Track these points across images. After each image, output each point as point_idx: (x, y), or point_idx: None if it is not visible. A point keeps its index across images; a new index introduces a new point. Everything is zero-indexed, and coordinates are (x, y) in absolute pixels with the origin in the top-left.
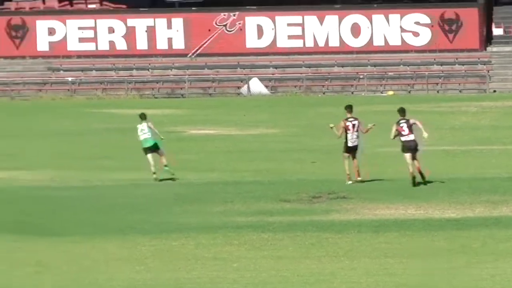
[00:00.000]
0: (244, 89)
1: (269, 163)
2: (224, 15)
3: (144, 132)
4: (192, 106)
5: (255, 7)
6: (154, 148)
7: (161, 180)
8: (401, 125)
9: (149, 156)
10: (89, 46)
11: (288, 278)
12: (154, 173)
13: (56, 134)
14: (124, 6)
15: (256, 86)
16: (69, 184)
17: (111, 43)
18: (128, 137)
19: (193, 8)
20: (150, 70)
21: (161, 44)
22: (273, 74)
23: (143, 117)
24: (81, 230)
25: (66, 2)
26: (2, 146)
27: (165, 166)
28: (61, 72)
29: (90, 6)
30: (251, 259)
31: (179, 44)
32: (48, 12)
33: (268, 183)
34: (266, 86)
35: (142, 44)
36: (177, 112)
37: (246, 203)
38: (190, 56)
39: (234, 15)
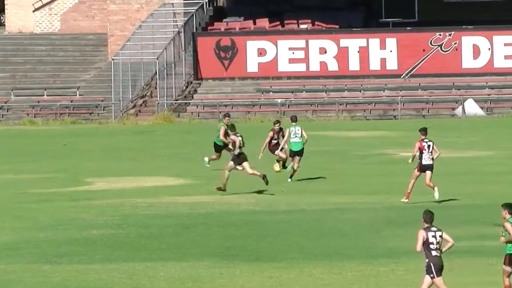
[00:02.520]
0: (458, 111)
1: (482, 186)
2: (440, 35)
3: None
4: (404, 128)
5: (471, 26)
6: None
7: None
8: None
9: None
10: (300, 67)
11: None
12: None
13: (264, 157)
14: (336, 26)
15: (472, 107)
16: (275, 208)
17: (322, 64)
18: (339, 160)
19: (407, 28)
20: (362, 91)
21: (374, 65)
22: (489, 95)
23: None
24: (288, 255)
25: (277, 23)
26: (209, 169)
27: None
28: (271, 93)
29: (302, 26)
30: (461, 286)
31: (392, 64)
32: (259, 33)
33: (478, 207)
34: (482, 107)
35: (354, 64)
36: (389, 134)
37: (455, 227)
38: (403, 77)
39: (449, 35)
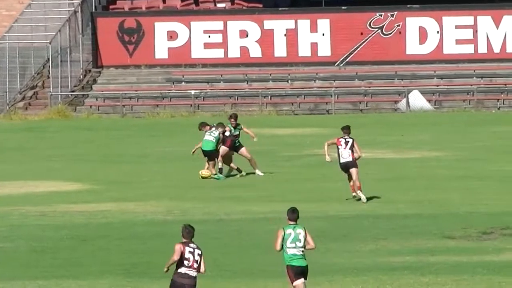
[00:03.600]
0: (402, 104)
1: (431, 192)
2: (380, 15)
3: None
4: (339, 124)
5: (417, 5)
6: None
7: None
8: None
9: None
10: (217, 53)
11: None
12: None
13: (175, 159)
14: (259, 5)
15: (417, 100)
16: (190, 218)
17: (243, 49)
18: (263, 162)
19: (342, 8)
20: (289, 81)
21: (303, 51)
22: (437, 85)
23: None
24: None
25: (190, 1)
26: (110, 172)
27: None
28: (183, 84)
29: (219, 5)
30: None
31: (324, 50)
32: (169, 13)
33: (429, 217)
34: (429, 101)
35: (280, 50)
36: (321, 131)
37: (402, 240)
38: (337, 65)
39: (392, 15)
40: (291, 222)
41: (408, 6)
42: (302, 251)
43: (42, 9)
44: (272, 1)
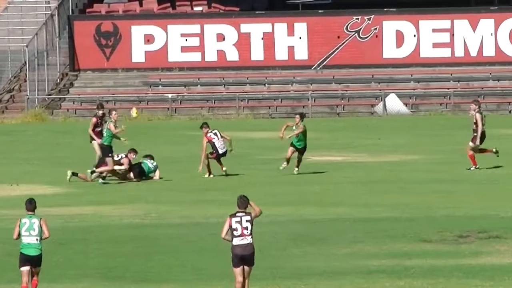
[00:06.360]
0: (379, 108)
1: (408, 196)
2: (357, 19)
3: None
4: (316, 127)
5: (394, 9)
6: None
7: None
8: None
9: None
10: (194, 57)
11: None
12: None
13: None
14: (236, 9)
15: (394, 103)
16: (167, 221)
17: (220, 53)
18: (240, 165)
19: (319, 11)
20: (266, 85)
21: (280, 54)
22: (414, 89)
23: None
24: (181, 276)
25: (167, 4)
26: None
27: None
28: (160, 87)
29: (196, 8)
30: None
31: (301, 54)
32: (146, 16)
33: (406, 220)
34: (406, 104)
35: (257, 54)
36: None
37: (378, 243)
38: (314, 68)
39: (369, 19)
40: (30, 212)
41: (385, 9)
42: (37, 239)
43: (19, 12)
44: (249, 4)
